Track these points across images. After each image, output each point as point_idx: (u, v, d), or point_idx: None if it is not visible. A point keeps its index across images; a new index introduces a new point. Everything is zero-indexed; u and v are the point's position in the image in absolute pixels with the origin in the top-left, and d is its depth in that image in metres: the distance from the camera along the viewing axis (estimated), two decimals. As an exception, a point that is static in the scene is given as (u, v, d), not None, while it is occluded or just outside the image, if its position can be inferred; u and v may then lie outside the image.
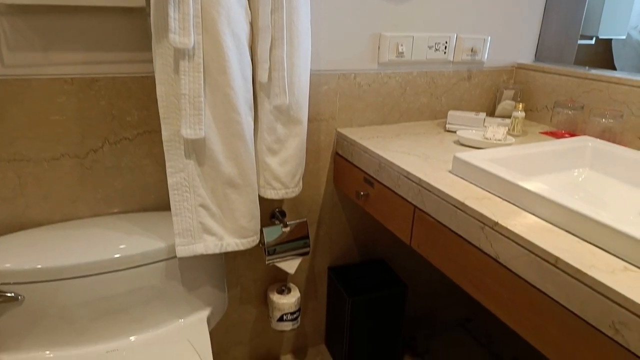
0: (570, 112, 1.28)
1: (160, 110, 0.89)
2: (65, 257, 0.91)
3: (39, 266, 0.89)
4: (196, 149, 0.94)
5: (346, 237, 1.46)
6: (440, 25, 1.32)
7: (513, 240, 0.71)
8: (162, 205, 1.15)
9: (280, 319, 1.36)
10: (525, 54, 1.47)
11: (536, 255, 0.67)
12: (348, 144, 1.23)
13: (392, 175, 1.03)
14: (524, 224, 0.73)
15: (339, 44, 1.21)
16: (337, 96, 1.26)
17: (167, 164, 0.93)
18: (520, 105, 1.25)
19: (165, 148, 0.92)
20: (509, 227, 0.72)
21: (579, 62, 1.40)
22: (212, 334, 1.38)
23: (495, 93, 1.48)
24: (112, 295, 0.96)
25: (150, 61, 1.03)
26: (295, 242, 1.29)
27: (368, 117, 1.32)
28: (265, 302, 1.43)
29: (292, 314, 1.36)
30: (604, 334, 0.58)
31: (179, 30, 0.82)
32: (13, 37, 0.90)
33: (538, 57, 1.49)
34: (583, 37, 1.40)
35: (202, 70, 0.87)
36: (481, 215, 0.77)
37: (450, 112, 1.30)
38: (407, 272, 1.62)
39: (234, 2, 0.88)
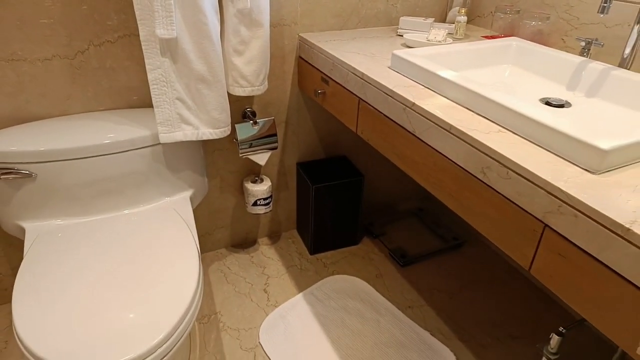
0: (508, 16, 1.42)
1: (137, 13, 1.02)
2: (66, 141, 1.08)
3: (44, 148, 1.06)
4: (170, 48, 1.08)
5: (312, 136, 1.64)
6: None
7: (424, 117, 0.90)
8: (145, 103, 1.30)
9: (255, 204, 1.58)
10: (476, -39, 1.56)
11: (437, 125, 0.86)
12: (308, 47, 1.37)
13: (342, 73, 1.19)
14: (434, 104, 0.91)
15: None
16: (298, 1, 1.37)
17: (146, 61, 1.07)
18: (463, 11, 1.38)
19: (142, 47, 1.06)
20: (422, 106, 0.90)
21: None
22: (198, 219, 1.60)
23: (447, 0, 1.59)
24: (108, 177, 1.15)
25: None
26: (265, 138, 1.46)
27: (328, 22, 1.44)
28: (242, 191, 1.64)
29: (264, 199, 1.57)
30: (476, 177, 0.79)
31: (147, -62, 0.93)
32: (-2, -54, 1.00)
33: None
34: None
35: (170, -24, 0.99)
36: (404, 98, 0.95)
37: (402, 18, 1.43)
38: (367, 167, 1.83)
39: None
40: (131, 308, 0.87)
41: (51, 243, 1.05)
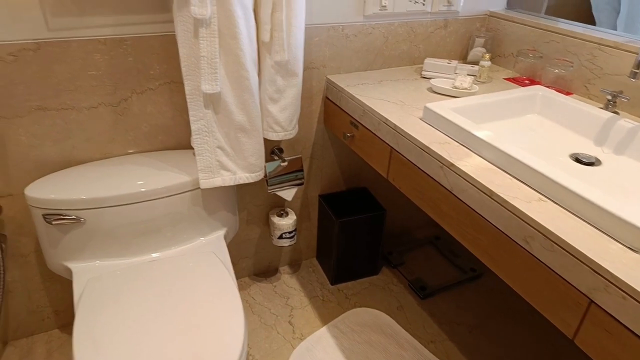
0: (531, 61, 1.45)
1: (183, 69, 1.05)
2: (112, 189, 1.10)
3: (92, 196, 1.08)
4: (213, 101, 1.11)
5: (334, 170, 1.67)
6: None
7: (462, 178, 0.92)
8: (182, 145, 1.33)
9: (280, 237, 1.60)
10: (497, 1, 1.59)
11: (477, 188, 0.88)
12: (337, 90, 1.39)
13: (373, 120, 1.21)
14: (472, 165, 0.93)
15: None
16: (327, 47, 1.40)
17: (190, 113, 1.10)
18: (487, 56, 1.41)
19: (188, 100, 1.09)
20: (461, 167, 0.93)
21: (555, 4, 1.47)
22: (224, 249, 1.62)
23: (468, 40, 1.62)
24: (148, 219, 1.17)
25: (168, 22, 1.15)
26: (292, 174, 1.49)
27: (354, 64, 1.47)
28: (267, 223, 1.66)
29: (289, 232, 1.60)
30: (518, 244, 0.81)
31: (198, 3, 0.96)
32: (55, 5, 1.03)
33: (511, 3, 1.61)
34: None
35: (217, 36, 1.02)
36: (440, 157, 0.97)
37: (426, 60, 1.45)
38: (386, 199, 1.85)
39: (241, -26, 1.00)
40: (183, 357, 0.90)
41: (99, 290, 1.07)
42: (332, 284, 1.72)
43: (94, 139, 1.21)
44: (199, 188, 1.20)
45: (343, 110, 1.37)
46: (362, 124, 1.27)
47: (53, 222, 1.08)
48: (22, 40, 1.04)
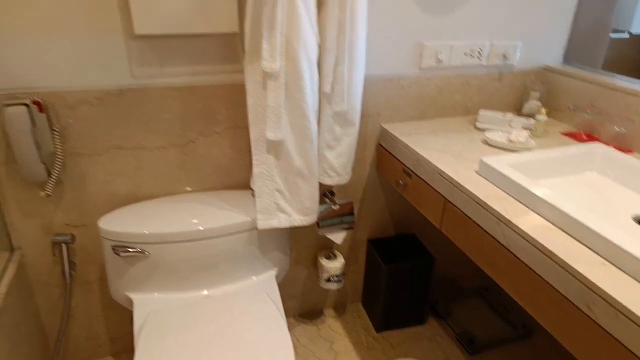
0: (589, 116, 1.43)
1: (250, 117, 1.11)
2: (177, 226, 1.17)
3: (157, 232, 1.15)
4: (275, 147, 1.16)
5: (383, 214, 1.67)
6: (476, 33, 1.45)
7: (521, 236, 0.91)
8: (241, 185, 1.39)
9: (327, 280, 1.60)
10: (553, 56, 1.58)
11: (537, 248, 0.87)
12: (390, 138, 1.42)
13: (427, 171, 1.22)
14: (530, 223, 0.92)
15: (387, 52, 1.37)
16: (382, 96, 1.44)
17: (254, 158, 1.16)
18: (543, 110, 1.40)
19: (252, 145, 1.15)
20: (519, 225, 0.92)
21: (612, 58, 1.45)
22: (272, 288, 1.64)
23: (523, 92, 1.62)
24: (207, 255, 1.22)
25: (236, 72, 1.23)
26: (342, 217, 1.51)
27: (408, 113, 1.50)
28: (315, 264, 1.68)
29: (337, 276, 1.60)
30: (580, 309, 0.79)
31: (269, 58, 1.03)
32: (139, 56, 1.13)
33: (567, 57, 1.60)
34: (616, 31, 1.48)
35: (283, 87, 1.08)
36: (497, 212, 0.97)
37: (481, 112, 1.46)
38: (434, 245, 1.83)
39: (309, 32, 1.07)
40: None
41: (158, 320, 1.12)
42: (377, 331, 1.69)
43: (162, 177, 1.29)
44: (255, 228, 1.24)
45: (396, 158, 1.39)
46: (415, 173, 1.29)
47: (121, 254, 1.15)
48: (108, 86, 1.15)
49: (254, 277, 1.31)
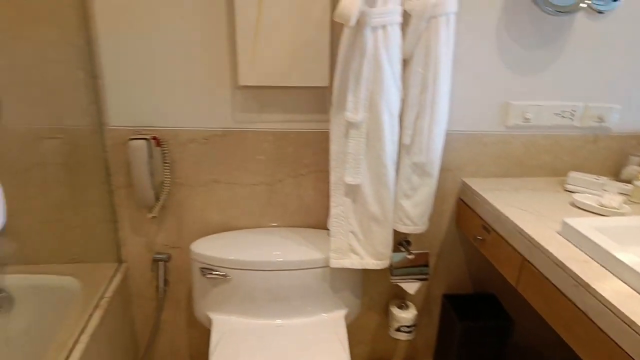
0: (697, 186, 1.30)
1: (331, 162, 1.20)
2: (258, 255, 1.27)
3: (240, 259, 1.27)
4: (353, 191, 1.23)
5: (461, 270, 1.63)
6: (568, 93, 1.39)
7: (600, 301, 0.85)
8: (319, 224, 1.46)
9: (398, 330, 1.58)
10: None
11: (616, 315, 0.81)
12: (471, 193, 1.41)
13: (506, 227, 1.19)
14: (611, 290, 0.86)
15: (471, 109, 1.38)
16: (464, 151, 1.44)
17: (331, 200, 1.23)
18: (642, 175, 1.31)
19: (331, 188, 1.23)
20: (598, 290, 0.86)
21: None
22: (342, 330, 1.66)
23: (621, 156, 1.51)
24: (281, 286, 1.29)
25: (322, 121, 1.34)
26: (417, 268, 1.50)
27: (491, 169, 1.48)
28: (386, 312, 1.66)
29: (408, 327, 1.57)
30: (664, 388, 0.71)
31: (353, 109, 1.12)
32: (241, 104, 1.29)
33: (674, 123, 1.48)
34: None
35: (364, 137, 1.16)
36: (577, 275, 0.92)
37: (571, 174, 1.39)
38: (515, 308, 1.71)
39: (392, 88, 1.15)
40: None
41: (232, 340, 1.20)
42: (445, 392, 1.60)
43: (251, 210, 1.42)
44: (328, 266, 1.30)
45: (476, 213, 1.38)
46: (494, 229, 1.26)
47: (207, 276, 1.27)
48: (214, 128, 1.31)
49: (324, 314, 1.35)
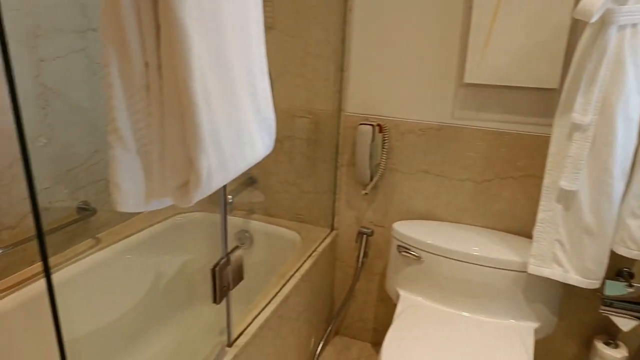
0: None
1: (547, 164, 1.16)
2: (451, 244, 1.31)
3: (434, 243, 1.32)
4: (566, 197, 1.16)
5: (701, 324, 1.32)
6: None
7: None
8: (523, 232, 1.41)
9: (599, 368, 1.39)
10: None
11: None
12: None
13: None
14: None
15: None
16: None
17: (541, 203, 1.18)
18: None
19: (543, 191, 1.18)
20: None
21: None
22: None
23: None
24: (470, 281, 1.30)
25: (543, 125, 1.29)
26: (635, 305, 1.30)
27: None
28: (587, 346, 1.47)
29: (613, 368, 1.37)
30: None
31: (581, 111, 1.06)
32: (462, 101, 1.36)
33: None
34: None
35: (590, 141, 1.08)
36: None
37: None
38: None
39: (633, 91, 1.04)
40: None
41: (415, 316, 1.28)
42: None
43: (452, 204, 1.46)
44: (524, 272, 1.25)
45: None
46: None
47: (402, 253, 1.38)
48: (432, 122, 1.41)
49: (512, 320, 1.30)
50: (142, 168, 0.62)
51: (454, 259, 1.31)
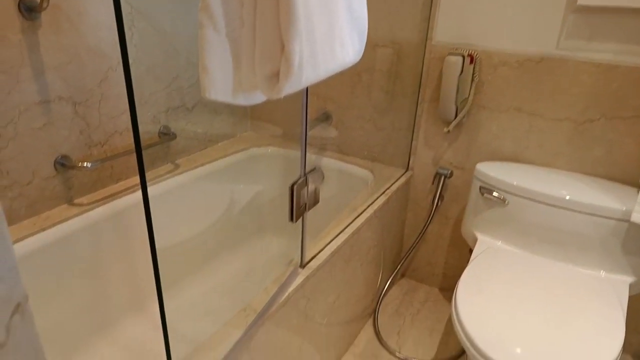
0: None
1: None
2: (540, 186, 1.20)
3: (519, 184, 1.21)
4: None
5: None
6: None
7: None
8: (627, 180, 1.25)
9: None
10: None
11: None
12: None
13: None
14: None
15: None
16: None
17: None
18: None
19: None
20: None
21: None
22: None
23: None
24: (559, 228, 1.19)
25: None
26: None
27: None
28: (686, 314, 1.32)
29: None
30: None
31: None
32: (571, 28, 1.19)
33: None
34: None
35: None
36: None
37: None
38: None
39: None
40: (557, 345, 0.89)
41: (494, 259, 1.20)
42: None
43: (545, 147, 1.32)
44: (626, 221, 1.11)
45: None
46: None
47: (485, 195, 1.28)
48: (532, 53, 1.26)
49: (602, 272, 1.18)
50: (232, 55, 0.58)
51: (543, 203, 1.19)
